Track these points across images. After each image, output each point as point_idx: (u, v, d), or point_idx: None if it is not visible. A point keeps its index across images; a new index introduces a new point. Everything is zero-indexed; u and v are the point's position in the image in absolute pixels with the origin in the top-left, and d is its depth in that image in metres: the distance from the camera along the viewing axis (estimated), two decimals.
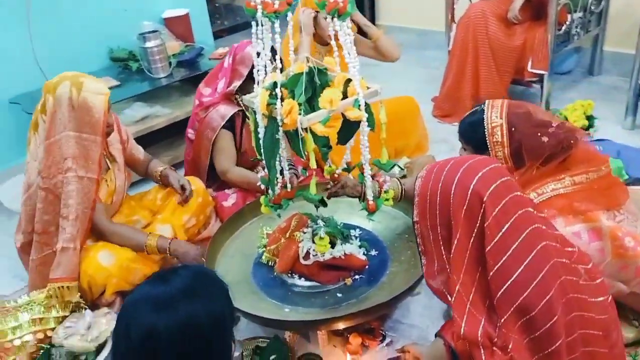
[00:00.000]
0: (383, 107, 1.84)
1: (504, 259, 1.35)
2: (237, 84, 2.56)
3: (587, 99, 3.38)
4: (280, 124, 1.69)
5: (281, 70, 1.81)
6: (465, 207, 1.38)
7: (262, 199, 1.99)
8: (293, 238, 2.08)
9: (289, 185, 1.96)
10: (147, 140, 3.16)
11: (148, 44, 3.36)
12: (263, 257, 2.17)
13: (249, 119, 2.61)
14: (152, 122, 3.31)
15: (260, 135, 1.80)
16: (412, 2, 5.02)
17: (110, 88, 3.21)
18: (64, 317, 2.14)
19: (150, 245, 2.27)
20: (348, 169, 2.04)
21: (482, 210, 1.36)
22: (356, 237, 2.16)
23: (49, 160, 2.17)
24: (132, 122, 3.26)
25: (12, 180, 3.01)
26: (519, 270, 1.34)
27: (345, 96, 1.73)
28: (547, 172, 1.78)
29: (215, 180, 2.75)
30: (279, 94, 1.68)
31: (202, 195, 2.57)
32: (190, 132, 2.77)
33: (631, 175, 2.49)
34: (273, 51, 1.75)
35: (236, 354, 2.00)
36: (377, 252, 2.15)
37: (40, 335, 2.10)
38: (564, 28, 3.53)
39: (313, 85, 1.74)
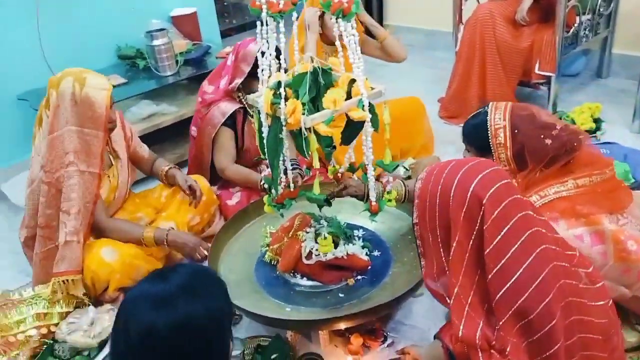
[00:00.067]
0: (387, 107, 1.84)
1: (502, 261, 1.34)
2: (238, 81, 2.57)
3: (595, 101, 3.38)
4: (283, 123, 1.70)
5: (285, 70, 1.82)
6: (464, 210, 1.38)
7: (265, 198, 2.00)
8: (296, 237, 2.09)
9: (292, 185, 1.97)
10: (154, 138, 3.17)
11: (155, 42, 3.37)
12: (266, 256, 2.18)
13: (250, 117, 2.63)
14: (159, 120, 3.32)
15: (264, 135, 1.81)
16: (420, 2, 5.01)
17: (117, 86, 3.29)
18: (68, 313, 2.16)
19: (147, 238, 2.28)
20: (352, 169, 2.04)
21: (481, 213, 1.36)
22: (359, 238, 2.16)
23: (52, 154, 2.19)
24: (138, 119, 3.28)
25: (19, 176, 3.03)
26: (518, 273, 1.34)
27: (349, 96, 1.73)
28: (550, 174, 1.77)
29: (219, 178, 2.76)
30: (283, 94, 1.68)
31: (206, 194, 2.58)
32: (193, 130, 2.78)
33: (637, 179, 2.48)
34: (277, 51, 1.76)
35: (238, 352, 2.01)
36: (380, 253, 2.15)
37: (44, 330, 2.12)
38: (572, 30, 3.51)
39: (317, 85, 1.74)
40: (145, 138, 2.97)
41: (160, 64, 3.42)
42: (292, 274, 2.08)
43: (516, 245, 1.35)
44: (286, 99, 1.69)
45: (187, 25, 3.83)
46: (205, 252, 2.31)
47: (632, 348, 1.85)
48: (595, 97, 3.67)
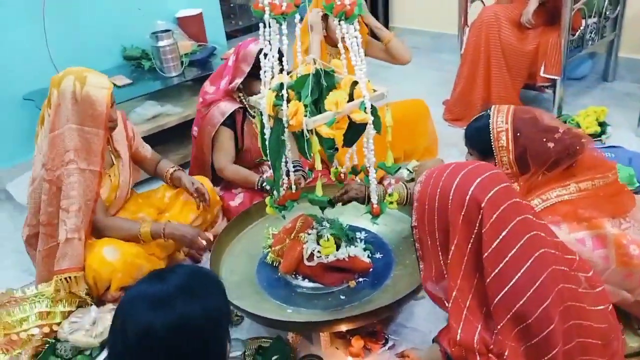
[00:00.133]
0: (389, 110, 1.84)
1: (501, 265, 1.34)
2: (238, 81, 2.59)
3: (600, 105, 3.36)
4: (286, 125, 1.70)
5: (289, 72, 1.82)
6: (463, 213, 1.38)
7: (267, 199, 2.00)
8: (298, 239, 2.09)
9: (293, 187, 1.97)
10: (158, 138, 3.19)
11: (160, 43, 3.39)
12: (268, 258, 2.18)
13: (251, 117, 2.64)
14: (163, 120, 3.33)
15: (267, 137, 1.81)
16: (426, 4, 5.01)
17: (122, 86, 3.31)
18: (70, 312, 2.17)
19: (144, 233, 2.28)
20: (355, 172, 2.04)
21: (480, 216, 1.36)
22: (361, 240, 2.16)
23: (53, 152, 2.20)
24: (143, 120, 3.29)
25: (24, 175, 3.04)
26: (516, 277, 1.33)
27: (351, 98, 1.73)
28: (552, 178, 1.76)
29: (221, 179, 2.77)
30: (286, 96, 1.69)
31: (209, 195, 2.58)
32: (194, 130, 2.80)
33: None
34: (280, 53, 1.76)
35: (239, 353, 2.01)
36: (381, 255, 2.15)
37: (46, 329, 2.13)
38: (578, 33, 3.50)
39: (319, 87, 1.74)
40: (150, 138, 2.98)
41: (165, 65, 3.43)
42: (293, 276, 2.09)
43: (515, 249, 1.34)
44: (288, 101, 1.69)
45: (192, 26, 3.85)
46: (204, 242, 2.31)
47: (635, 353, 1.84)
48: (601, 101, 3.65)
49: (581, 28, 3.51)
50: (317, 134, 1.68)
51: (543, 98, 3.78)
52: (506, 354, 1.34)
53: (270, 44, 1.74)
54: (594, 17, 3.59)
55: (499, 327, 1.37)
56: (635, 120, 3.36)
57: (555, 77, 3.46)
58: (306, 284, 2.06)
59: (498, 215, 1.35)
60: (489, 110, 1.88)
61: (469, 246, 1.38)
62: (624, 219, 1.76)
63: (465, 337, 1.39)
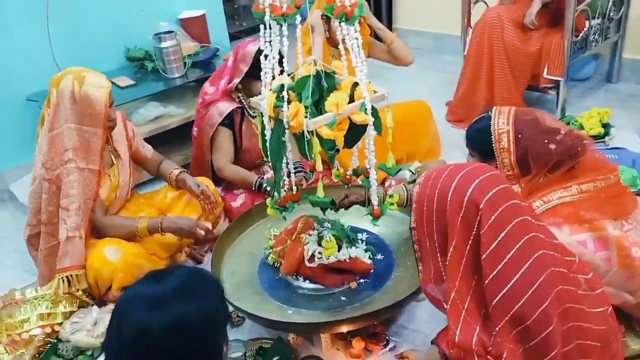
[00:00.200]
0: (389, 111, 1.84)
1: (499, 267, 1.33)
2: (236, 81, 2.59)
3: (604, 106, 3.35)
4: (286, 126, 1.70)
5: (290, 73, 1.82)
6: (461, 215, 1.37)
7: (268, 201, 2.00)
8: (299, 240, 2.09)
9: (294, 188, 1.97)
10: (161, 139, 3.19)
11: (163, 44, 3.39)
12: (269, 259, 2.18)
13: (251, 117, 2.65)
14: (166, 121, 3.34)
15: (267, 138, 1.81)
16: (429, 6, 5.01)
17: (125, 87, 3.32)
18: (72, 313, 2.18)
19: (141, 229, 2.28)
20: (357, 173, 2.04)
21: (478, 218, 1.35)
22: (362, 241, 2.16)
23: (52, 152, 2.22)
24: (145, 121, 3.30)
25: (27, 176, 3.04)
26: (515, 279, 1.33)
27: (352, 100, 1.73)
28: (554, 179, 1.76)
29: (221, 179, 2.77)
30: (286, 97, 1.69)
31: (214, 197, 2.58)
32: (194, 130, 2.81)
33: None
34: (280, 55, 1.76)
35: (239, 354, 2.01)
36: (383, 256, 2.15)
37: (48, 330, 2.14)
38: (581, 34, 3.49)
39: (320, 88, 1.74)
40: (153, 139, 2.99)
41: (168, 66, 3.44)
42: (294, 277, 2.09)
43: (513, 251, 1.34)
44: (289, 102, 1.69)
45: (195, 27, 3.85)
46: (202, 232, 2.31)
47: (637, 355, 1.83)
48: (605, 102, 3.64)
49: (585, 29, 3.51)
50: (318, 135, 1.68)
51: (546, 99, 3.77)
52: (504, 355, 1.33)
53: (270, 45, 1.74)
54: (598, 18, 3.59)
55: (497, 328, 1.36)
56: (639, 122, 3.35)
57: (559, 79, 3.45)
58: (307, 285, 2.06)
59: (496, 216, 1.34)
60: (490, 112, 1.87)
61: (468, 248, 1.38)
62: (626, 220, 1.75)
63: (463, 339, 1.38)
